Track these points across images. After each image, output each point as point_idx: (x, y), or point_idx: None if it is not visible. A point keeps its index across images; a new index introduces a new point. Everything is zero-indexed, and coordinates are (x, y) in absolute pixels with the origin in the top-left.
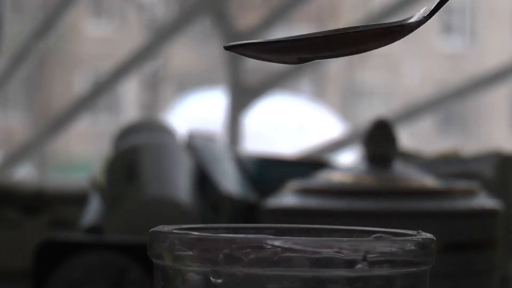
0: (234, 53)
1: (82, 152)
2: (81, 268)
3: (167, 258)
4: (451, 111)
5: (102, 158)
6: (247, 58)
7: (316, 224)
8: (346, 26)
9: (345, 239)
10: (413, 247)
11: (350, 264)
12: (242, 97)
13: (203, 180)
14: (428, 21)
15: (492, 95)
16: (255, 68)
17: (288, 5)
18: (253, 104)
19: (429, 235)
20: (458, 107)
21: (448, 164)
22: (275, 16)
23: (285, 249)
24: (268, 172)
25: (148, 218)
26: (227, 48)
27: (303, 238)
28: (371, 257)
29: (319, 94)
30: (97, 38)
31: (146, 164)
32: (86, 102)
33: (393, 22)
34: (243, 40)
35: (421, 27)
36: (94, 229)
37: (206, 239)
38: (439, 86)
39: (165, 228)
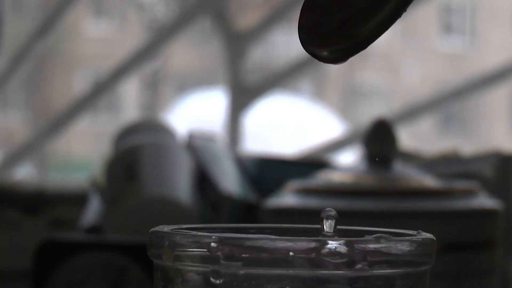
0: (234, 53)
1: (82, 152)
2: (81, 268)
3: (167, 258)
4: (451, 111)
5: (102, 158)
6: (247, 58)
7: (316, 224)
8: None
9: (345, 239)
10: (413, 247)
11: (350, 264)
12: (242, 97)
13: (203, 180)
14: (428, 20)
15: (492, 95)
16: (255, 68)
17: (288, 5)
18: (253, 104)
19: (429, 235)
20: (458, 107)
21: (448, 164)
22: (275, 16)
23: (285, 249)
24: (268, 172)
25: (148, 218)
26: None
27: (303, 238)
28: (371, 257)
29: (319, 94)
30: (97, 38)
31: (146, 164)
32: (86, 102)
33: None
34: (243, 40)
35: (421, 27)
36: (94, 229)
37: (206, 239)
38: (439, 86)
39: (165, 228)
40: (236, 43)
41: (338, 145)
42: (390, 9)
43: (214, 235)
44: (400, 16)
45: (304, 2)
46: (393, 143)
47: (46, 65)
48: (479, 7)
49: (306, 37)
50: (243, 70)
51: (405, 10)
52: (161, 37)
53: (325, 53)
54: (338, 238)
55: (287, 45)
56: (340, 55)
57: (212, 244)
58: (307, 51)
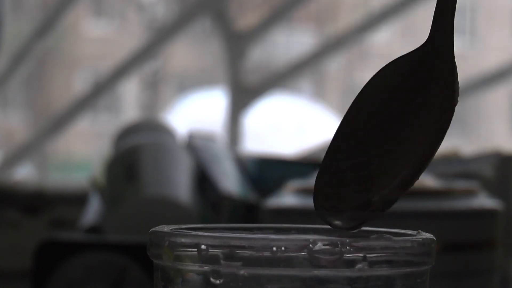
0: (234, 53)
1: (82, 152)
2: (81, 268)
3: (167, 258)
4: None
5: (102, 158)
6: (247, 57)
7: (316, 224)
8: None
9: (345, 239)
10: (413, 247)
11: (350, 264)
12: (242, 97)
13: (203, 180)
14: (428, 20)
15: (492, 95)
16: (255, 68)
17: (288, 5)
18: (253, 104)
19: (429, 235)
20: (458, 107)
21: (448, 164)
22: (275, 16)
23: (285, 249)
24: (268, 172)
25: (148, 218)
26: None
27: (303, 237)
28: (371, 257)
29: (319, 94)
30: (97, 38)
31: (146, 164)
32: (86, 102)
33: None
34: (243, 40)
35: (421, 27)
36: (94, 229)
37: (206, 239)
38: None
39: (165, 228)
40: (236, 43)
41: None
42: (402, 178)
43: (214, 235)
44: (412, 185)
45: (318, 177)
46: None
47: (46, 65)
48: (479, 7)
49: (321, 205)
50: (243, 70)
51: (418, 179)
52: (161, 37)
53: (339, 222)
54: (338, 238)
55: (287, 45)
56: (355, 224)
57: (212, 244)
58: (322, 220)
